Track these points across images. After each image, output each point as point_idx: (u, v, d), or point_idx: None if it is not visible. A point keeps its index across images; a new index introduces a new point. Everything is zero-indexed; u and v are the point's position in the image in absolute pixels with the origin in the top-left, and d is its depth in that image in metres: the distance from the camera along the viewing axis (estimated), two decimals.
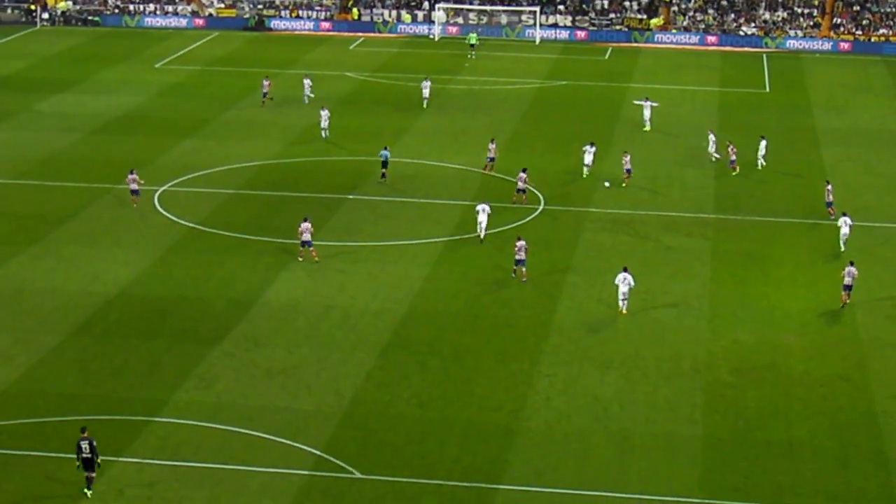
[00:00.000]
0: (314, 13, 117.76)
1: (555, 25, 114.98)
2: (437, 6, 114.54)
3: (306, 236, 56.86)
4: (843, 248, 59.53)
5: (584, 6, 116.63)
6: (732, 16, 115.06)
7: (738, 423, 43.17)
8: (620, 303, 52.26)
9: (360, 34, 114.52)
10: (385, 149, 69.36)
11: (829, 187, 65.03)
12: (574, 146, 73.94)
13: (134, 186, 64.33)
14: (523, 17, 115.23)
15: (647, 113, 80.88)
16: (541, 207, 65.01)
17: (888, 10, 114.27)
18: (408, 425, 42.69)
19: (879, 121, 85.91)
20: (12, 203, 65.38)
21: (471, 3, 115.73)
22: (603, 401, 44.56)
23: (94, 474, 37.94)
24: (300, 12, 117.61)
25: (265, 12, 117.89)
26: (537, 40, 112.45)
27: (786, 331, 50.81)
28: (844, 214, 60.42)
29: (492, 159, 70.39)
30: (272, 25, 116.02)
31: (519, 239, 55.70)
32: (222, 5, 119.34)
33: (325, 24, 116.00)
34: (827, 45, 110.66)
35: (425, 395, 44.81)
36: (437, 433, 42.19)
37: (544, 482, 39.30)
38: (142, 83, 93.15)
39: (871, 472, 40.29)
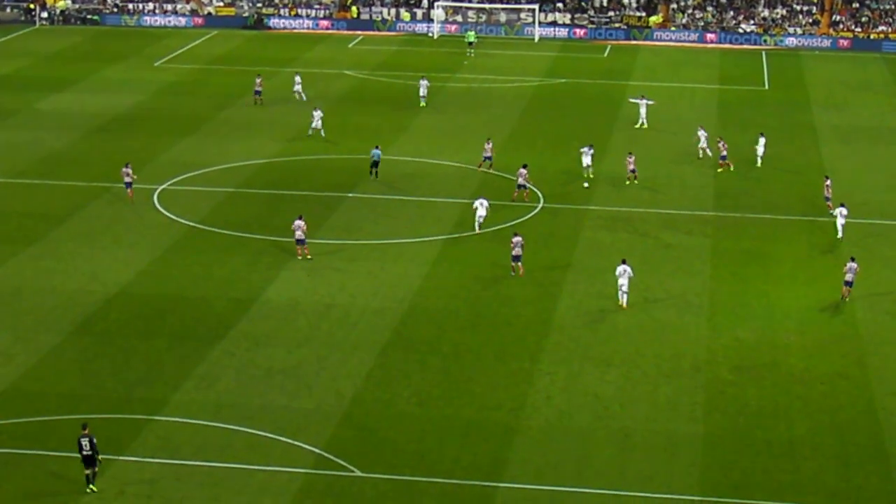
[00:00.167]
0: (313, 11, 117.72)
1: (554, 23, 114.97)
2: (436, 4, 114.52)
3: (299, 234, 56.91)
4: (840, 235, 60.01)
5: (583, 4, 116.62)
6: (731, 13, 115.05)
7: (738, 421, 43.17)
8: (620, 295, 52.42)
9: (359, 32, 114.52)
10: (376, 148, 69.35)
11: (828, 182, 65.19)
12: (573, 144, 73.92)
13: (127, 180, 64.52)
14: (522, 15, 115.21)
15: (642, 111, 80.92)
16: (540, 205, 65.01)
17: (887, 6, 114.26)
18: (408, 424, 42.69)
19: (878, 118, 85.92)
20: (12, 202, 65.37)
21: (469, 1, 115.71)
22: (603, 399, 44.56)
23: (95, 469, 37.97)
24: (299, 10, 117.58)
25: (264, 11, 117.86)
26: (536, 38, 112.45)
27: (786, 328, 50.81)
28: (842, 205, 60.75)
29: (488, 158, 70.41)
30: (271, 24, 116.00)
31: (515, 235, 55.82)
32: (221, 4, 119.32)
33: (324, 23, 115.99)
34: (826, 42, 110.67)
35: (425, 394, 44.82)
36: (437, 432, 42.19)
37: (545, 480, 39.31)
38: (141, 82, 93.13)
39: (871, 469, 40.30)
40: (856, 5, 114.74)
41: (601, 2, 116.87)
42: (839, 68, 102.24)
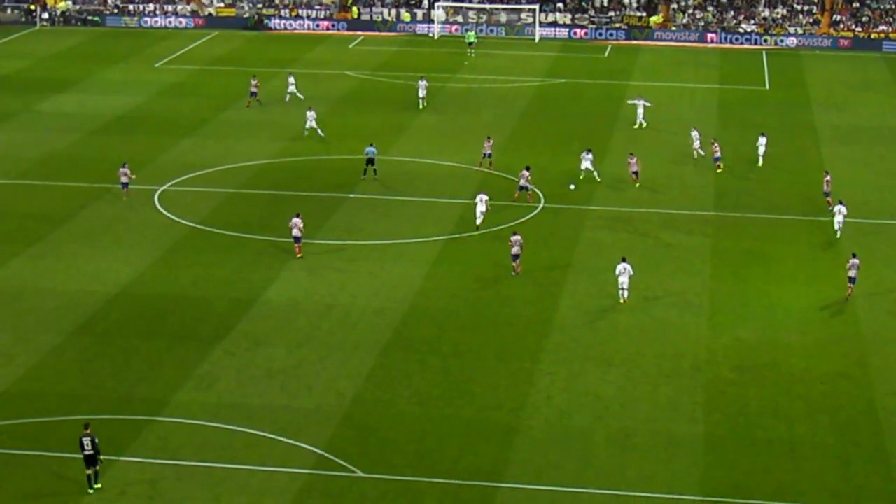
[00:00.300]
0: (314, 12, 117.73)
1: (554, 23, 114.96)
2: (436, 5, 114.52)
3: (296, 232, 56.95)
4: (838, 235, 60.15)
5: (583, 4, 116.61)
6: (732, 13, 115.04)
7: (739, 421, 43.17)
8: (620, 293, 52.49)
9: (360, 33, 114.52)
10: (371, 145, 69.40)
11: (828, 178, 65.33)
12: (574, 145, 73.93)
13: (124, 180, 64.60)
14: (523, 16, 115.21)
15: (640, 111, 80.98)
16: (541, 205, 65.01)
17: (887, 6, 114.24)
18: (409, 424, 42.70)
19: (879, 117, 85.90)
20: (13, 203, 65.40)
21: (470, 2, 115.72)
22: (604, 399, 44.56)
23: (97, 469, 37.99)
24: (300, 11, 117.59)
25: (265, 11, 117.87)
26: (537, 38, 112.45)
27: (787, 328, 50.80)
28: (840, 203, 60.88)
29: (488, 155, 70.52)
30: (272, 24, 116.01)
31: (514, 234, 55.92)
32: (222, 5, 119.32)
33: (325, 23, 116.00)
34: (826, 42, 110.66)
35: (426, 394, 44.82)
36: (437, 432, 42.20)
37: (545, 480, 39.31)
38: (142, 83, 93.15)
39: (872, 469, 40.29)
40: (856, 5, 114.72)
41: (601, 2, 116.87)
42: (840, 68, 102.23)
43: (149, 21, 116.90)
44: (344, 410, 43.48)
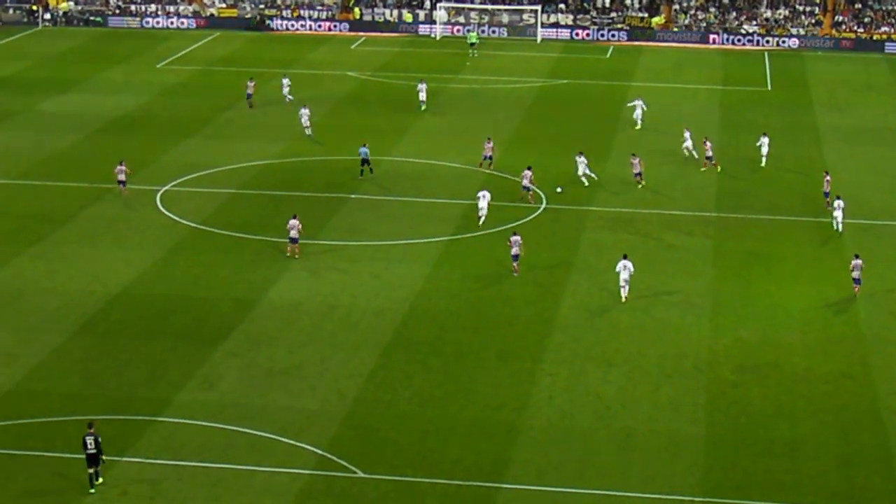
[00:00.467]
0: (315, 13, 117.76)
1: (556, 24, 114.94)
2: (438, 5, 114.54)
3: (293, 233, 57.01)
4: (839, 230, 60.56)
5: (585, 5, 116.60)
6: (734, 14, 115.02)
7: (740, 421, 43.15)
8: (622, 290, 52.57)
9: (362, 33, 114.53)
10: (364, 145, 69.45)
11: (828, 178, 65.37)
12: (576, 145, 73.88)
13: (122, 177, 64.69)
14: (525, 16, 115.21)
15: (638, 112, 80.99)
16: (543, 206, 65.01)
17: (890, 7, 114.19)
18: (410, 424, 42.70)
19: (881, 119, 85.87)
20: (14, 203, 65.43)
21: (472, 3, 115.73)
22: (605, 399, 44.55)
23: (98, 469, 38.03)
24: (301, 12, 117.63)
25: (266, 12, 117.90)
26: (538, 39, 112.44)
27: (788, 328, 50.80)
28: (838, 198, 60.98)
29: (488, 157, 70.54)
30: (274, 25, 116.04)
31: (514, 234, 55.99)
32: (224, 5, 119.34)
33: (327, 24, 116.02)
34: (828, 43, 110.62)
35: (427, 394, 44.82)
36: (439, 432, 42.20)
37: (547, 481, 39.31)
38: (143, 83, 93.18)
39: (874, 469, 40.27)
40: (858, 6, 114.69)
41: (603, 3, 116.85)
42: (842, 69, 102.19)
43: (150, 22, 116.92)
44: (345, 411, 43.48)
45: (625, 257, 53.32)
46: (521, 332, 50.14)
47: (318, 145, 76.23)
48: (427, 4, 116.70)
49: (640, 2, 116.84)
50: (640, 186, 67.73)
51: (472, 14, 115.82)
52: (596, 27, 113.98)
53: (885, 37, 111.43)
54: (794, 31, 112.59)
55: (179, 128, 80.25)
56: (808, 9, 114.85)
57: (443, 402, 44.24)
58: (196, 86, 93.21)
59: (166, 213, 63.61)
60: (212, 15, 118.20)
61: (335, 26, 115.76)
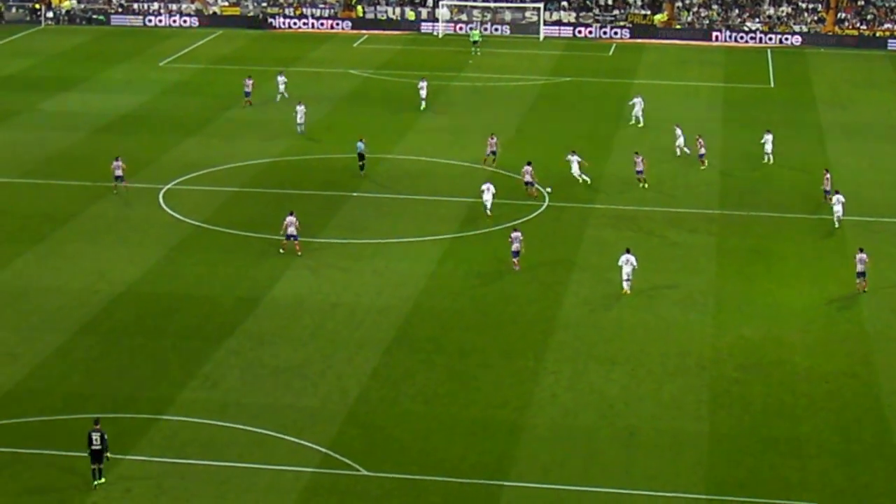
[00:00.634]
0: (318, 10, 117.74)
1: (559, 22, 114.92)
2: (440, 3, 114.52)
3: (291, 230, 57.01)
4: (836, 226, 60.75)
5: (587, 3, 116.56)
6: (736, 11, 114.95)
7: (743, 419, 43.13)
8: (624, 283, 52.69)
9: (364, 31, 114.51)
10: (360, 141, 69.48)
11: (828, 175, 65.38)
12: (578, 143, 73.90)
13: (118, 173, 64.73)
14: (527, 14, 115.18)
15: (637, 109, 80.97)
16: (545, 204, 65.01)
17: (893, 4, 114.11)
18: (413, 422, 42.69)
19: (884, 116, 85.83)
20: (17, 202, 65.44)
21: (474, 0, 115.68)
22: (608, 397, 44.54)
23: (101, 466, 38.06)
24: (304, 10, 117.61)
25: (269, 10, 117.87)
26: (541, 37, 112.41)
27: (791, 326, 50.77)
28: (837, 192, 60.95)
29: (492, 153, 70.63)
30: (276, 23, 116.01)
31: (515, 230, 56.02)
32: (226, 3, 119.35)
33: (329, 22, 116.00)
34: (831, 40, 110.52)
35: (431, 392, 44.82)
36: (442, 430, 42.20)
37: (550, 479, 39.29)
38: (146, 82, 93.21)
39: (877, 467, 40.24)
40: (861, 3, 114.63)
41: (606, 0, 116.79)
42: (845, 66, 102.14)
43: (153, 20, 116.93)
44: (349, 409, 43.48)
45: (627, 251, 53.43)
46: (525, 330, 50.13)
47: (314, 142, 76.19)
48: (430, 2, 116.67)
49: None
50: (642, 186, 67.52)
51: (475, 12, 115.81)
52: (598, 25, 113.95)
53: (888, 34, 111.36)
54: (796, 28, 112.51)
55: (182, 126, 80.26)
56: (810, 6, 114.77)
57: (446, 400, 44.23)
58: (198, 84, 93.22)
59: (169, 211, 63.62)
60: (214, 13, 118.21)
61: (337, 24, 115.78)
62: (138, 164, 69.19)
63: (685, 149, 72.94)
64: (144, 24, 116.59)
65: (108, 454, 38.41)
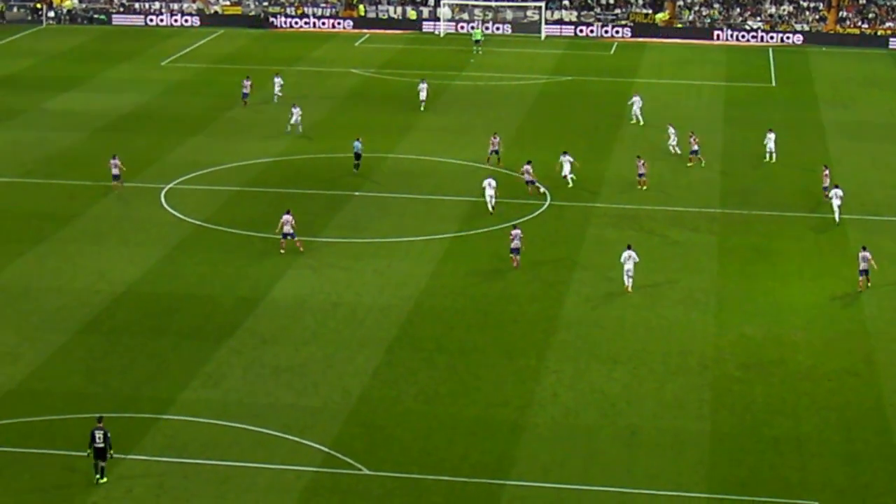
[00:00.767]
0: (319, 10, 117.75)
1: (560, 21, 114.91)
2: (442, 2, 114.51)
3: (287, 228, 57.02)
4: (837, 220, 60.97)
5: (589, 2, 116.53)
6: (738, 10, 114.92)
7: (745, 418, 43.12)
8: (626, 279, 52.73)
9: (366, 31, 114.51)
10: (357, 140, 69.48)
11: (827, 172, 65.41)
12: (580, 142, 73.91)
13: (115, 171, 64.78)
14: (529, 13, 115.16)
15: (636, 108, 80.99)
16: (547, 203, 65.01)
17: (894, 3, 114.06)
18: (415, 421, 42.69)
19: (886, 114, 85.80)
20: (18, 201, 65.46)
21: None
22: (610, 396, 44.53)
23: (103, 464, 38.08)
24: (305, 9, 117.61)
25: (270, 9, 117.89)
26: (542, 36, 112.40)
27: (793, 325, 50.75)
28: (836, 187, 61.01)
29: (495, 152, 70.67)
30: (277, 23, 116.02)
31: (515, 228, 56.07)
32: (228, 3, 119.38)
33: (330, 21, 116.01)
34: (833, 39, 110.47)
35: (432, 392, 44.81)
36: (444, 429, 42.19)
37: (551, 478, 39.28)
38: (147, 81, 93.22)
39: (879, 466, 40.22)
40: (862, 2, 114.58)
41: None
42: (846, 65, 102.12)
43: (154, 19, 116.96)
44: (350, 408, 43.48)
45: (629, 248, 53.44)
46: (526, 329, 50.13)
47: (315, 142, 76.18)
48: (431, 1, 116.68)
49: None
50: (642, 189, 67.24)
51: (476, 11, 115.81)
52: (600, 24, 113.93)
53: (889, 32, 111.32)
54: (798, 27, 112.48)
55: (183, 125, 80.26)
56: (812, 5, 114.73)
57: (448, 400, 44.23)
58: (200, 83, 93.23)
59: (170, 210, 63.63)
60: (216, 13, 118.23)
61: (339, 23, 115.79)
62: (140, 164, 69.20)
63: (677, 148, 72.89)
64: (146, 24, 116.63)
65: (112, 452, 38.42)
